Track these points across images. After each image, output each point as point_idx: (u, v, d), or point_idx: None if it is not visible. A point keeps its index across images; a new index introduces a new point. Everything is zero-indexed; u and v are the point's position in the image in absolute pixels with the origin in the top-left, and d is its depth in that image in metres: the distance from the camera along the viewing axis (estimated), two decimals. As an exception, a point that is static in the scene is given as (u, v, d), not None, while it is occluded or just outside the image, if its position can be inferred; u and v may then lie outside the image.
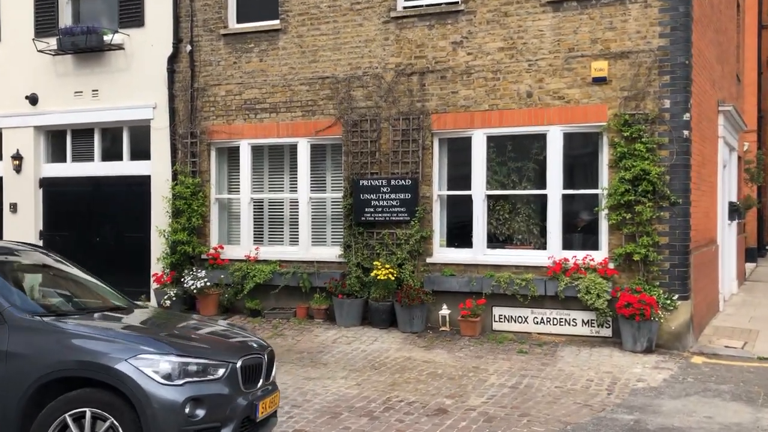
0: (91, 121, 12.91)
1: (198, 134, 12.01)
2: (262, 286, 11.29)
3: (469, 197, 10.58)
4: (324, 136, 11.34)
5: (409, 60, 10.80)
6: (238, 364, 4.95)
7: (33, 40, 12.92)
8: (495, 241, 10.62)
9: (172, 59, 12.19)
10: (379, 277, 10.35)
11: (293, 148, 11.65)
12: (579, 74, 9.95)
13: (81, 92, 12.96)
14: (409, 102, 10.79)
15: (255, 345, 5.37)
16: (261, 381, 5.23)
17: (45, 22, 13.10)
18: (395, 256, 10.68)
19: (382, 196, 10.83)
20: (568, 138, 10.18)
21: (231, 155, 12.16)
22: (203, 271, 11.50)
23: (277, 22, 11.57)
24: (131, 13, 12.56)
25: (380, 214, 10.85)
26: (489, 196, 10.55)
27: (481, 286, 10.17)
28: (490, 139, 10.52)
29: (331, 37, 11.22)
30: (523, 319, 10.14)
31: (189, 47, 12.07)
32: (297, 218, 11.62)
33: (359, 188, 10.94)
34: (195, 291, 11.30)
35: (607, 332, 9.72)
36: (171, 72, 12.19)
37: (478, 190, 10.50)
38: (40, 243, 13.44)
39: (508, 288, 9.97)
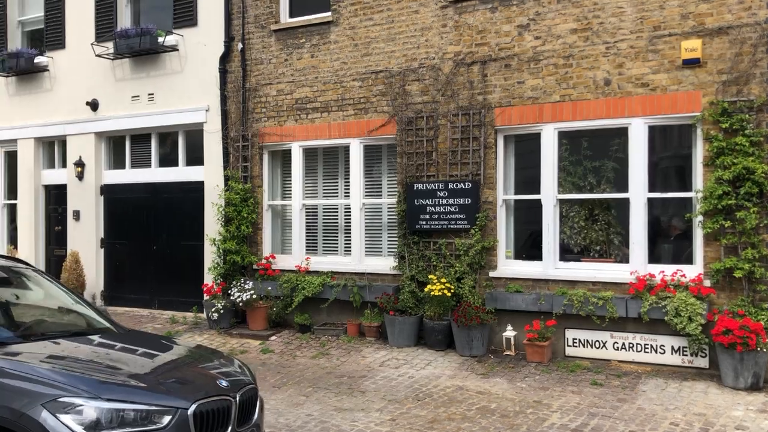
0: (147, 125, 12.54)
1: (249, 137, 11.31)
2: (311, 300, 10.42)
3: (538, 202, 9.25)
4: (377, 136, 10.33)
5: (470, 48, 9.60)
6: (190, 410, 4.01)
7: (92, 44, 12.71)
8: (568, 252, 9.22)
9: (224, 59, 11.57)
10: (433, 293, 9.20)
11: (347, 150, 10.71)
12: (666, 56, 8.41)
13: (138, 96, 12.62)
14: (469, 95, 9.60)
15: (224, 383, 4.41)
16: (229, 430, 4.27)
17: (104, 25, 12.87)
18: (453, 268, 9.50)
19: (438, 202, 9.69)
20: (654, 132, 8.66)
21: (284, 159, 11.39)
22: (251, 283, 10.76)
23: (328, 14, 10.69)
24: (184, 13, 12.08)
25: (436, 222, 9.71)
26: (561, 201, 9.18)
27: (551, 305, 8.81)
28: (562, 135, 9.15)
29: (384, 27, 10.21)
30: (601, 344, 8.69)
31: (240, 45, 11.42)
32: (351, 226, 10.68)
33: (413, 193, 9.85)
34: (241, 303, 10.57)
35: (702, 362, 8.12)
36: (223, 72, 11.58)
37: (549, 193, 9.14)
38: (102, 251, 13.26)
39: (583, 307, 8.56)
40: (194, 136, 12.21)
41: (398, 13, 10.08)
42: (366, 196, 10.64)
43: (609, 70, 8.72)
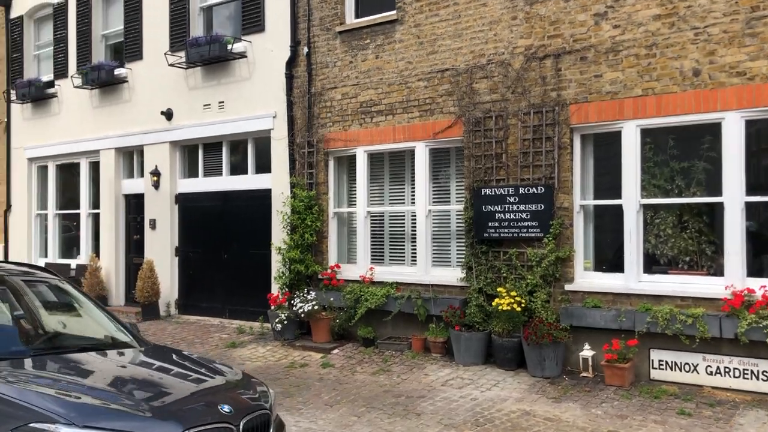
0: (218, 134, 12.47)
1: (315, 143, 10.97)
2: (375, 312, 9.91)
3: (619, 208, 8.34)
4: (443, 139, 9.72)
5: (542, 41, 8.84)
6: (178, 439, 3.57)
7: (165, 54, 12.79)
8: (654, 263, 8.26)
9: (290, 64, 11.30)
10: (501, 307, 8.48)
11: (413, 154, 10.15)
12: (767, 41, 7.36)
13: (209, 105, 12.58)
14: (542, 91, 8.82)
15: (226, 409, 3.95)
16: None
17: (178, 35, 12.94)
18: (524, 281, 8.74)
19: (508, 208, 8.95)
20: (752, 127, 7.61)
21: (350, 165, 10.96)
22: (313, 293, 10.38)
23: (393, 12, 10.19)
24: (252, 19, 11.92)
25: (506, 230, 8.97)
26: (645, 206, 8.24)
27: (632, 322, 7.89)
28: (645, 133, 8.21)
29: (451, 22, 9.60)
30: (692, 368, 7.68)
31: (306, 49, 11.11)
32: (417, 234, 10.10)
33: (481, 198, 9.16)
34: (303, 315, 10.20)
35: (813, 393, 6.99)
36: (289, 77, 11.31)
37: (631, 198, 8.23)
38: (176, 259, 13.30)
39: (669, 326, 7.59)
40: (262, 143, 12.02)
41: (465, 7, 9.44)
42: (433, 202, 10.05)
43: (698, 59, 7.74)
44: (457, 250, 9.89)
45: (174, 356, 4.82)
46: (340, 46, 10.77)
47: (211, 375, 4.49)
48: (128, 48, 13.99)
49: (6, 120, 16.80)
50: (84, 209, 15.26)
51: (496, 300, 8.60)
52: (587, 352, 8.21)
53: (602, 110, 8.37)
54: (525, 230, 8.84)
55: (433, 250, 10.05)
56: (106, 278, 14.23)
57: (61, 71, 15.33)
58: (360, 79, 10.54)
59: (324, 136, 10.91)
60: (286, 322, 10.42)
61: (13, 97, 16.19)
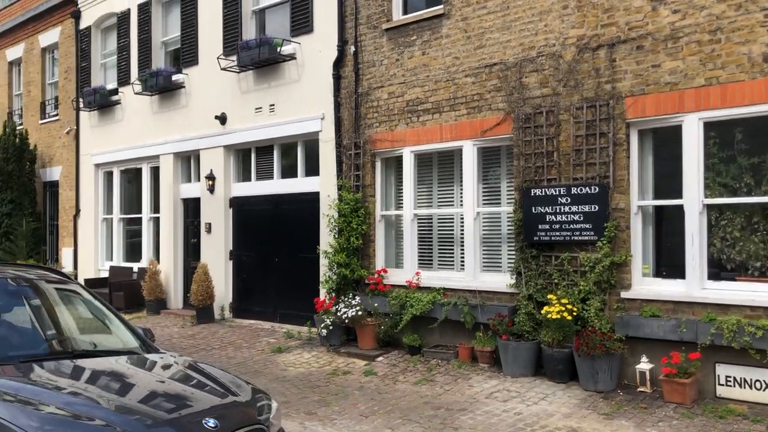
0: (269, 137, 12.38)
1: (361, 144, 10.68)
2: (421, 319, 9.51)
3: (680, 208, 7.65)
4: (491, 137, 9.23)
5: (594, 30, 8.24)
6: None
7: (218, 58, 12.81)
8: (720, 269, 7.52)
9: (338, 64, 11.07)
10: (550, 316, 7.92)
11: (461, 154, 9.71)
12: None
13: (260, 108, 12.51)
14: (595, 84, 8.22)
15: (211, 423, 3.65)
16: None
17: (231, 39, 12.94)
18: (577, 287, 8.15)
19: (560, 209, 8.38)
20: (833, 116, 6.80)
21: (398, 166, 10.60)
22: (358, 298, 10.08)
23: (440, 7, 9.79)
24: (301, 20, 11.76)
25: (557, 233, 8.41)
26: (709, 207, 7.52)
27: (694, 333, 7.19)
28: (709, 126, 7.50)
29: (499, 14, 9.12)
30: (764, 385, 6.92)
31: (353, 48, 10.85)
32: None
33: (531, 199, 8.63)
34: (347, 320, 9.91)
35: None
36: (336, 78, 11.08)
37: (693, 198, 7.52)
38: (230, 263, 13.28)
39: (736, 338, 6.86)
40: (311, 146, 11.84)
41: (513, -3, 8.95)
42: (482, 204, 9.57)
43: (769, 43, 7.00)
44: (508, 254, 9.37)
45: (178, 365, 4.58)
46: (387, 44, 10.45)
47: (207, 386, 4.21)
48: (185, 53, 14.13)
49: (75, 127, 17.32)
50: (146, 213, 15.52)
51: (546, 308, 8.05)
52: (645, 365, 7.55)
53: (661, 102, 7.71)
54: (578, 233, 8.25)
55: (483, 254, 9.58)
56: (165, 281, 14.39)
57: (123, 78, 15.66)
58: (406, 77, 10.19)
59: (371, 137, 10.61)
60: (331, 328, 10.16)
61: (81, 105, 16.68)
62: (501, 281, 9.11)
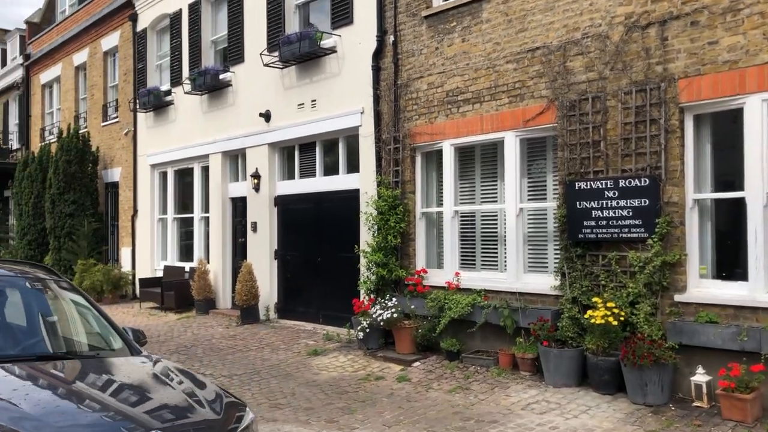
0: (311, 133, 12.05)
1: (401, 138, 10.19)
2: (460, 322, 8.95)
3: (742, 202, 6.82)
4: (534, 127, 8.57)
5: (644, 7, 7.48)
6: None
7: (261, 54, 12.59)
8: (789, 270, 6.65)
9: (377, 55, 10.62)
10: (594, 321, 7.22)
11: (503, 146, 9.08)
12: None
13: (302, 104, 12.20)
14: (645, 66, 7.46)
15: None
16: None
17: (274, 34, 12.69)
18: (625, 290, 7.41)
19: (606, 204, 7.66)
20: None
21: (439, 161, 10.05)
22: (394, 300, 9.59)
23: (480, -11, 9.21)
24: (341, 11, 11.38)
25: (604, 230, 7.68)
26: (776, 199, 6.66)
27: (758, 343, 6.36)
28: (775, 109, 6.64)
29: (541, -5, 8.46)
30: (840, 403, 6.04)
31: (392, 38, 10.38)
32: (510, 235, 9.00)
33: (575, 193, 7.93)
34: (382, 323, 9.44)
35: None
36: (375, 70, 10.63)
37: (756, 191, 6.67)
38: (275, 263, 13.05)
39: (806, 349, 6.01)
40: (352, 141, 11.44)
41: (556, -25, 8.27)
42: (528, 199, 8.92)
43: (844, 10, 6.10)
44: (555, 253, 8.67)
45: (148, 371, 4.22)
46: (426, 32, 9.93)
47: (168, 396, 3.82)
48: (231, 51, 14.01)
49: (133, 129, 17.56)
50: (197, 213, 15.52)
51: (589, 312, 7.34)
52: (701, 377, 6.75)
53: (718, 83, 6.89)
54: (626, 230, 7.50)
55: (530, 253, 8.92)
56: (213, 281, 14.31)
57: (176, 79, 15.72)
58: (446, 66, 9.63)
59: (410, 130, 10.11)
60: (368, 331, 9.71)
61: (138, 106, 16.86)
62: (545, 283, 8.43)
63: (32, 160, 20.35)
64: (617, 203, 7.56)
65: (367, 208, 10.35)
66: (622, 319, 7.22)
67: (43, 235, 19.48)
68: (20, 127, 25.28)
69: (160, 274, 16.32)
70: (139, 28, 17.37)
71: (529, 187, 8.99)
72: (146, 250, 17.03)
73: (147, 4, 17.02)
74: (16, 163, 21.79)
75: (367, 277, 10.20)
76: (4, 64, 28.49)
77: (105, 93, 19.54)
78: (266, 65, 12.46)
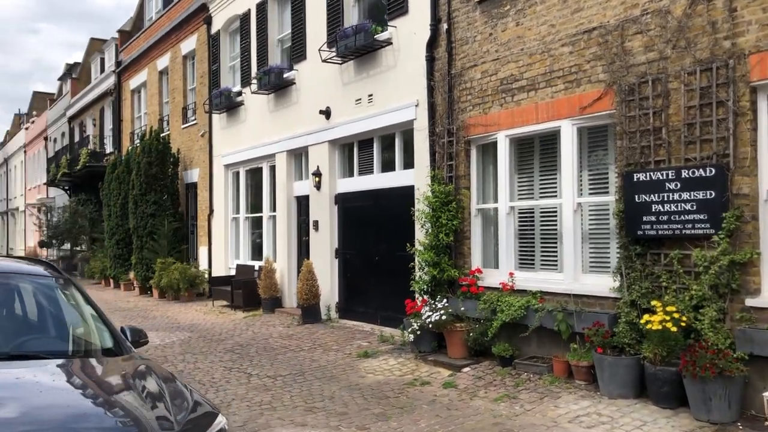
0: (368, 129, 11.75)
1: (454, 131, 9.70)
2: (514, 326, 8.37)
3: (825, 192, 5.93)
4: (591, 114, 7.87)
5: (710, -25, 6.68)
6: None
7: (319, 50, 12.40)
8: None
9: (431, 45, 10.17)
10: (651, 326, 6.50)
11: (559, 136, 8.42)
12: None
13: (360, 99, 11.92)
14: (711, 42, 6.65)
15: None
16: None
17: (333, 29, 12.47)
18: (689, 292, 6.63)
19: (668, 197, 6.89)
20: None
21: (495, 154, 9.47)
22: (444, 301, 9.12)
23: (535, -31, 8.59)
24: (396, 1, 10.99)
25: (665, 225, 6.92)
26: None
27: (842, 355, 5.49)
28: None
29: (597, -30, 7.76)
30: None
31: (445, 26, 9.91)
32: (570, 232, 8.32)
33: (633, 185, 7.20)
34: (431, 325, 8.98)
35: None
36: (430, 60, 10.18)
37: (842, 178, 5.78)
38: (336, 261, 12.83)
39: None
40: (408, 136, 11.03)
41: (614, -53, 7.55)
42: (588, 192, 8.22)
43: None
44: (617, 252, 7.93)
45: (120, 374, 4.00)
46: (480, 18, 9.39)
47: (127, 401, 3.57)
48: (294, 49, 13.92)
49: (208, 130, 17.87)
50: (266, 212, 15.56)
51: (646, 316, 6.63)
52: (776, 393, 5.92)
53: (796, 57, 6.03)
54: (689, 225, 6.72)
55: (591, 252, 8.22)
56: (279, 280, 14.28)
57: (245, 79, 15.82)
58: (500, 53, 9.06)
59: (464, 122, 9.59)
60: (419, 333, 9.28)
61: (212, 107, 17.12)
62: (604, 284, 7.72)
63: (120, 162, 21.19)
64: (679, 196, 6.79)
65: (418, 205, 9.92)
66: (683, 324, 6.47)
67: (129, 235, 20.20)
68: (113, 131, 26.45)
69: (233, 272, 16.49)
70: (213, 31, 17.65)
71: (589, 180, 8.29)
72: (221, 249, 17.28)
73: (220, 7, 17.26)
74: (107, 166, 22.77)
75: (420, 276, 9.77)
76: (102, 71, 29.94)
77: (185, 96, 20.03)
78: (324, 61, 12.26)
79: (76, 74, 36.21)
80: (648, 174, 7.06)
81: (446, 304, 9.03)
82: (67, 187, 31.36)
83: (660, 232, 6.96)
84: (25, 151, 46.90)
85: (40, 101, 48.49)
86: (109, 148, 27.06)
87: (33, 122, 45.52)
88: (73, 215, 27.52)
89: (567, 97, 8.13)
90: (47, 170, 33.30)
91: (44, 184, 36.15)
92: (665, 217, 6.91)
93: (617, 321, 7.21)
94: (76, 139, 31.54)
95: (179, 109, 20.15)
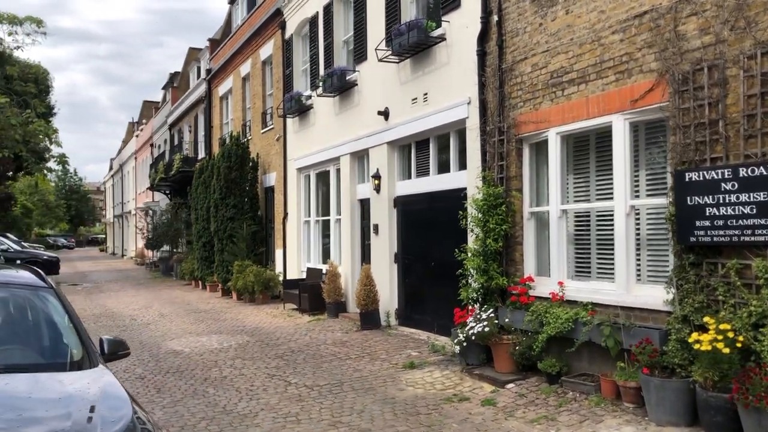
0: (423, 129, 11.31)
1: (505, 129, 9.10)
2: (563, 341, 7.70)
3: None
4: (643, 107, 7.10)
5: (772, -57, 5.81)
6: None
7: (376, 49, 12.08)
8: None
9: (482, 38, 9.61)
10: (699, 346, 5.71)
11: (611, 132, 7.66)
12: None
13: (416, 99, 11.50)
14: (773, 20, 5.79)
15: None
16: None
17: (391, 27, 12.11)
18: (747, 308, 5.79)
19: (724, 199, 6.07)
20: None
21: (548, 153, 8.80)
22: (490, 311, 8.54)
23: (584, -50, 7.88)
24: (449, -5, 10.51)
25: (720, 231, 6.09)
26: None
27: None
28: None
29: (649, -53, 6.98)
30: None
31: (496, 17, 9.33)
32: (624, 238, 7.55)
33: (685, 186, 6.40)
34: (473, 337, 8.43)
35: None
36: (481, 55, 9.62)
37: None
38: (395, 266, 12.46)
39: None
40: (462, 135, 10.49)
41: None
42: (645, 194, 7.44)
43: None
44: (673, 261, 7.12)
45: (68, 390, 3.80)
46: (530, 7, 8.75)
47: (58, 422, 3.37)
48: (356, 50, 13.68)
49: (283, 134, 17.97)
50: (332, 215, 15.43)
51: (695, 335, 5.85)
52: None
53: None
54: (748, 232, 5.87)
55: (646, 260, 7.43)
56: (344, 284, 14.08)
57: (314, 82, 15.76)
58: (550, 44, 8.40)
59: (515, 119, 8.98)
60: (465, 344, 8.75)
61: (285, 112, 17.19)
62: (659, 296, 6.91)
63: (205, 167, 21.77)
64: (737, 198, 5.95)
65: (470, 208, 9.38)
66: (739, 345, 5.64)
67: (212, 238, 20.70)
68: (205, 137, 27.29)
69: (305, 275, 16.47)
70: (286, 35, 17.74)
71: (646, 180, 7.50)
72: (294, 252, 17.33)
73: (292, 11, 17.32)
74: (194, 171, 23.48)
75: (468, 284, 9.24)
76: (198, 79, 31.02)
77: (264, 101, 20.30)
78: (381, 60, 11.94)
79: (176, 83, 37.82)
80: (701, 173, 6.25)
81: (491, 315, 8.47)
82: (167, 191, 32.76)
83: (715, 239, 6.14)
84: (135, 158, 49.62)
85: (148, 109, 51.07)
86: (201, 154, 27.96)
87: (141, 130, 48.07)
88: (172, 218, 28.68)
89: (618, 89, 7.38)
90: (149, 175, 34.91)
91: (147, 188, 37.98)
92: (721, 222, 6.08)
93: (668, 338, 6.43)
94: (175, 144, 32.88)
95: (259, 114, 20.43)
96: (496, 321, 8.45)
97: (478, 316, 8.50)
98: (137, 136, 50.28)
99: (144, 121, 50.35)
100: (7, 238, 31.13)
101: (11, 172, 41.72)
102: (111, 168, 68.42)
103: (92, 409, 3.56)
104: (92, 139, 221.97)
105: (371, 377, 8.88)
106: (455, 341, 8.92)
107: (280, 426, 6.96)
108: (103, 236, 77.75)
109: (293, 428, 6.88)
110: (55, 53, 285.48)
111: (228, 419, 7.23)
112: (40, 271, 5.14)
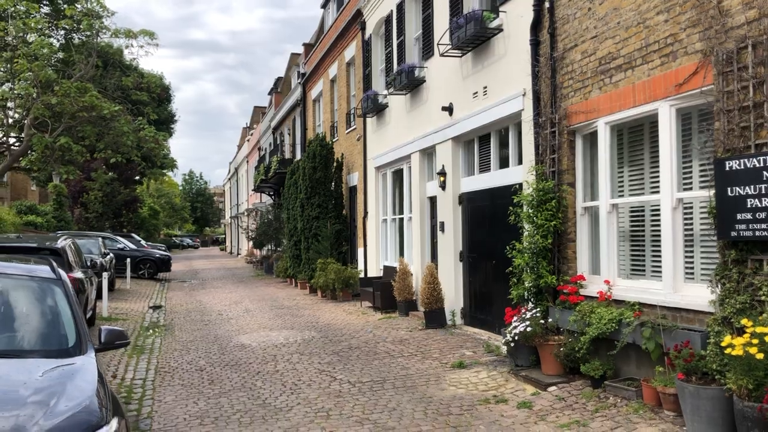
0: (483, 123, 11.02)
1: (557, 120, 8.70)
2: (607, 342, 7.26)
3: None
4: (688, 92, 6.56)
5: None
6: None
7: (437, 44, 11.91)
8: None
9: (535, 27, 9.23)
10: (731, 351, 5.20)
11: (657, 120, 7.14)
12: None
13: (476, 93, 11.23)
14: (819, -12, 5.17)
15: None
16: None
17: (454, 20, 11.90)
18: (790, 309, 5.21)
19: (766, 189, 5.48)
20: None
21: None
22: (535, 311, 8.18)
23: (631, -73, 7.38)
24: (505, -16, 10.18)
25: (763, 225, 5.51)
26: None
27: None
28: None
29: None
30: None
31: (548, 4, 8.94)
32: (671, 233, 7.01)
33: (726, 176, 5.85)
34: (516, 337, 8.10)
35: None
36: (534, 44, 9.25)
37: None
38: (460, 265, 12.22)
39: None
40: (519, 129, 10.13)
41: None
42: (698, 186, 6.88)
43: None
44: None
45: (38, 376, 3.97)
46: (579, -8, 8.33)
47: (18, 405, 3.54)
48: (424, 46, 13.56)
49: (363, 134, 18.11)
50: (405, 214, 15.36)
51: (727, 338, 5.33)
52: None
53: None
54: (792, 225, 5.28)
55: (693, 257, 6.87)
56: (414, 283, 13.98)
57: (389, 81, 15.75)
58: (598, 29, 7.95)
59: (566, 110, 8.57)
60: (513, 345, 8.44)
61: (363, 111, 17.32)
62: (705, 296, 6.37)
63: (296, 169, 22.33)
64: (781, 187, 5.37)
65: (524, 204, 9.03)
66: (779, 350, 5.09)
67: (300, 236, 21.20)
68: (301, 139, 28.01)
69: (382, 273, 16.52)
70: (366, 35, 17.87)
71: (699, 172, 6.92)
72: (373, 250, 17.42)
73: (371, 11, 17.42)
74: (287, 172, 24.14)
75: (521, 282, 8.90)
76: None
77: (348, 102, 20.55)
78: (443, 55, 11.75)
79: (280, 87, 39.07)
80: (742, 161, 5.69)
81: (536, 315, 8.12)
82: (270, 192, 33.91)
83: (757, 234, 5.57)
84: (247, 161, 51.79)
85: (257, 114, 53.08)
86: (298, 156, 28.71)
87: (251, 134, 50.07)
88: (273, 218, 29.67)
89: (663, 73, 6.86)
90: (254, 178, 36.28)
91: (252, 190, 39.47)
92: (763, 215, 5.51)
93: (707, 341, 5.90)
94: (276, 147, 33.99)
95: (344, 114, 20.71)
96: (542, 321, 8.10)
97: (523, 316, 8.17)
98: (248, 140, 52.46)
99: (254, 126, 52.44)
100: (131, 238, 33.21)
101: (138, 177, 44.77)
102: (229, 171, 71.81)
103: (51, 395, 3.71)
104: (221, 144, 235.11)
105: (416, 376, 8.76)
106: (503, 342, 8.63)
107: (309, 421, 6.99)
108: (224, 236, 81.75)
109: (320, 423, 6.89)
110: (188, 64, 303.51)
111: (262, 412, 7.34)
112: (54, 266, 5.43)
